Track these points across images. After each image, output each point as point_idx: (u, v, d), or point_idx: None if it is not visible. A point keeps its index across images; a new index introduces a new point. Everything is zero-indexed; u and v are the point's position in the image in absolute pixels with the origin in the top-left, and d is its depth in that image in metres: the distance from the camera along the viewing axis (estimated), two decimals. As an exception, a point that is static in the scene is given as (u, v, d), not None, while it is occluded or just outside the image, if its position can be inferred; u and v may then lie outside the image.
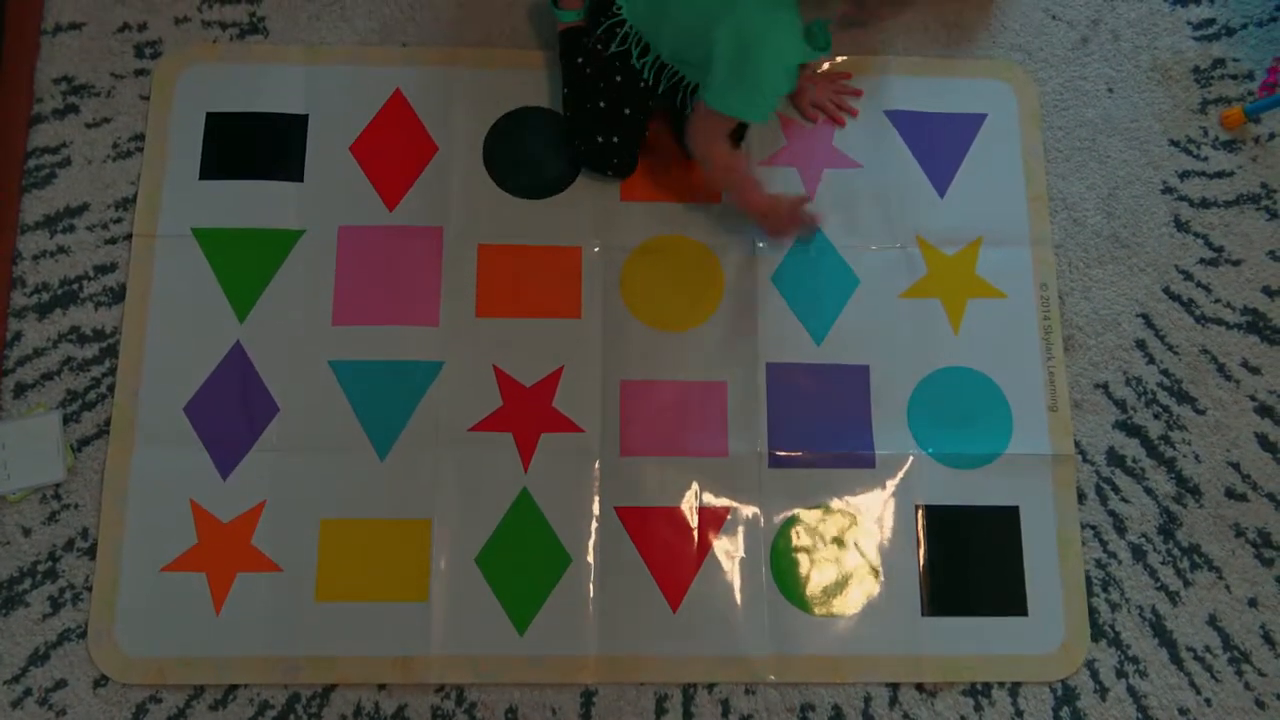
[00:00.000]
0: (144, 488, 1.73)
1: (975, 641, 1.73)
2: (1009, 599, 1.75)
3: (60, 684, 1.66)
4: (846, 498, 1.78)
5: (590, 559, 1.73)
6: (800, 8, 1.57)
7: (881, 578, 1.75)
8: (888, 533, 1.77)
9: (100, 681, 1.66)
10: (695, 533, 1.74)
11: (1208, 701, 1.73)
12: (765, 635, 1.71)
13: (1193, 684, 1.74)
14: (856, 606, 1.74)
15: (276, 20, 1.95)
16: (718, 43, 1.60)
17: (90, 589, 1.69)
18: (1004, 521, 1.78)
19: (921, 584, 1.75)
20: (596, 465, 1.76)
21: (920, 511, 1.78)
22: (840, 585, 1.74)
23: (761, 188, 1.79)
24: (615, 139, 1.80)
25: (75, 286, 1.81)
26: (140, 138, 1.87)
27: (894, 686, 1.71)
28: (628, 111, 1.78)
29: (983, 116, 1.95)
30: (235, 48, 1.93)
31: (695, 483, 1.76)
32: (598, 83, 1.78)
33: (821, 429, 1.80)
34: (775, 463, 1.78)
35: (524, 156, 1.89)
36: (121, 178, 1.86)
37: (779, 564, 1.74)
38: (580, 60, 1.80)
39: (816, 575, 1.75)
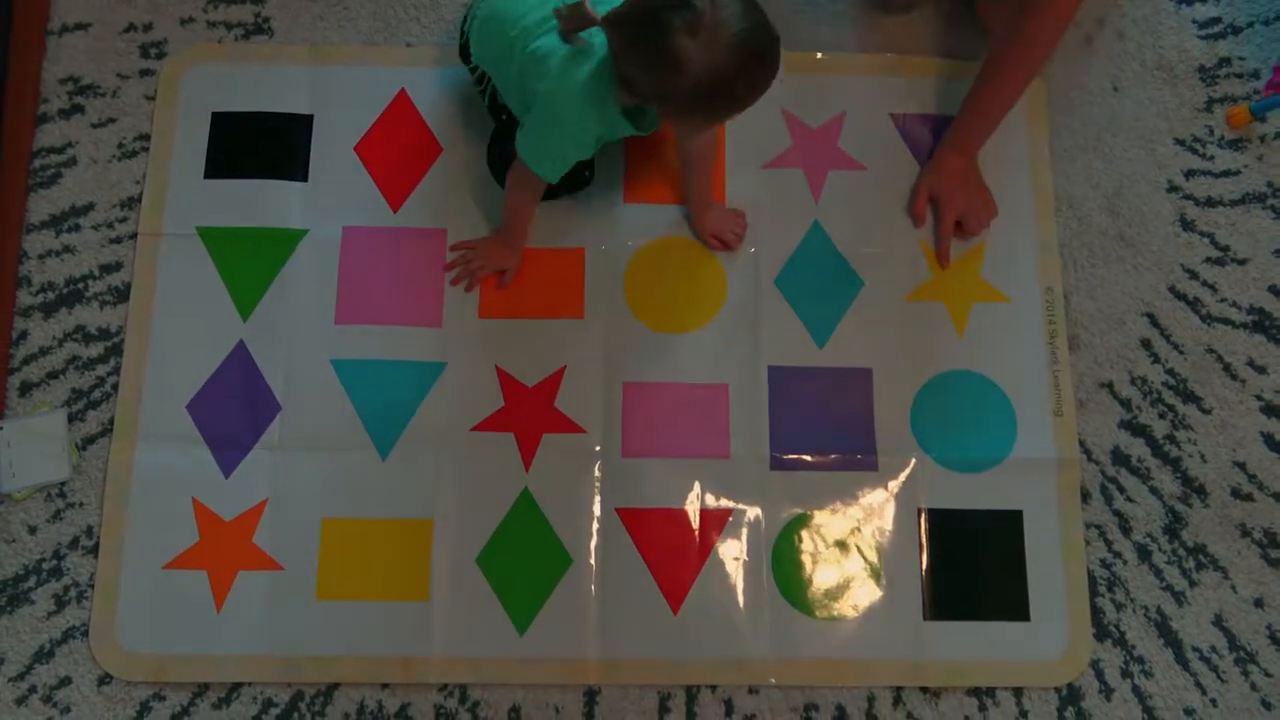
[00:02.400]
0: (146, 485, 1.69)
1: (977, 647, 1.68)
2: (1011, 604, 1.70)
3: (64, 681, 1.62)
4: (849, 501, 1.73)
5: (591, 560, 1.68)
6: (617, 95, 1.48)
7: (883, 581, 1.70)
8: (890, 536, 1.71)
9: (104, 679, 1.62)
10: (697, 535, 1.70)
11: (1213, 702, 1.67)
12: (766, 638, 1.66)
13: (1198, 684, 1.68)
14: (858, 610, 1.68)
15: (281, 20, 1.90)
16: (536, 100, 1.54)
17: (94, 586, 1.65)
18: (1007, 526, 1.72)
19: (924, 588, 1.70)
20: (598, 466, 1.71)
21: (923, 515, 1.72)
22: (842, 588, 1.69)
23: (516, 244, 1.76)
24: None
25: (81, 285, 1.77)
26: (145, 137, 1.83)
27: (898, 687, 1.66)
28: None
29: (987, 119, 1.90)
30: (240, 48, 1.88)
31: (697, 484, 1.71)
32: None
33: (824, 432, 1.75)
34: (777, 465, 1.73)
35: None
36: (127, 177, 1.82)
37: (780, 566, 1.69)
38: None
39: (818, 578, 1.70)
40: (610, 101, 1.49)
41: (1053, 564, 1.71)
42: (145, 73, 1.86)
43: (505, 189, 1.72)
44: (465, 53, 1.72)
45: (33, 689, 1.62)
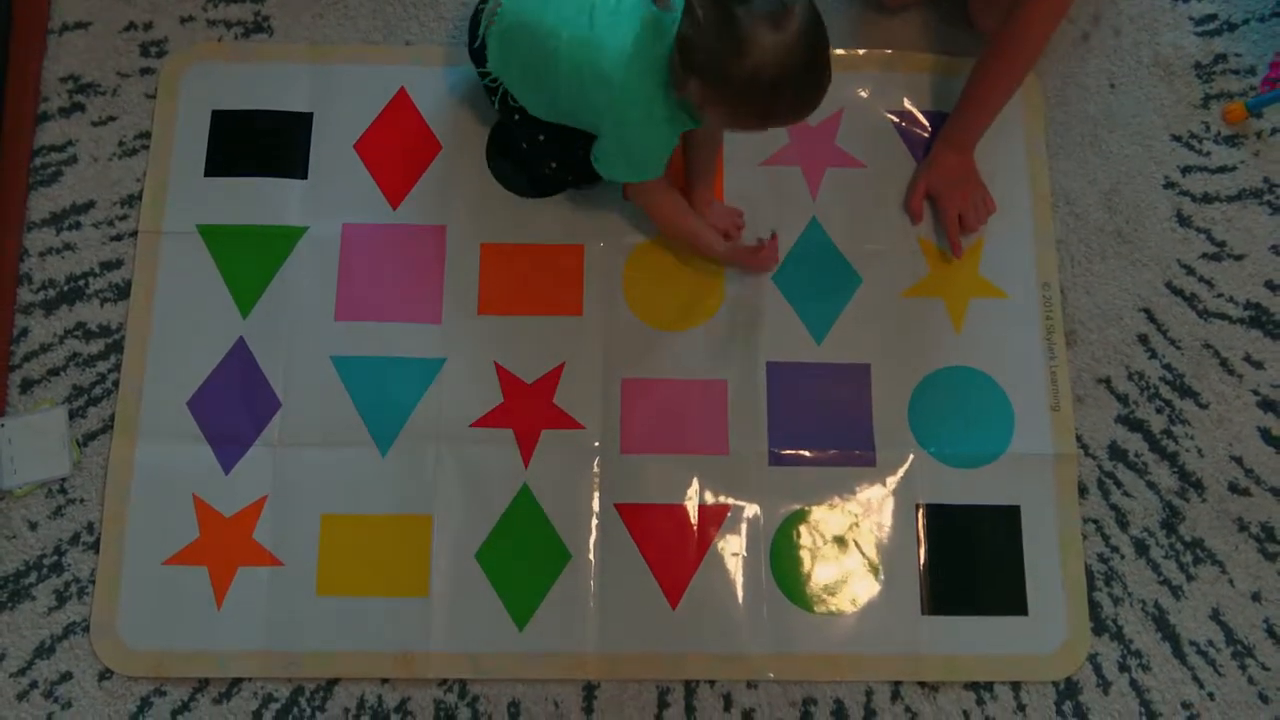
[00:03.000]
0: (147, 482, 1.68)
1: (975, 641, 1.66)
2: (1009, 599, 1.68)
3: (65, 677, 1.61)
4: (847, 496, 1.71)
5: (590, 556, 1.67)
6: (672, 91, 1.48)
7: (881, 576, 1.68)
8: (888, 531, 1.70)
9: (105, 674, 1.61)
10: (695, 530, 1.68)
11: (1211, 696, 1.66)
12: (765, 633, 1.65)
13: (1196, 678, 1.67)
14: (856, 605, 1.67)
15: (281, 19, 1.89)
16: (600, 126, 1.57)
17: (95, 582, 1.64)
18: (1005, 521, 1.71)
19: (921, 583, 1.68)
20: (597, 462, 1.70)
21: (921, 510, 1.71)
22: (840, 583, 1.68)
23: (708, 231, 1.73)
24: (554, 164, 1.74)
25: (81, 283, 1.76)
26: (146, 136, 1.82)
27: (896, 681, 1.65)
28: (542, 138, 1.70)
29: (984, 116, 1.89)
30: (240, 46, 1.87)
31: (696, 480, 1.70)
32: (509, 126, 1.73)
33: (822, 427, 1.74)
34: (776, 461, 1.71)
35: (528, 154, 1.80)
36: (127, 175, 1.81)
37: (779, 562, 1.68)
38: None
39: (817, 573, 1.68)
40: (668, 95, 1.49)
41: (1050, 559, 1.70)
42: (145, 71, 1.85)
43: (650, 213, 1.72)
44: (479, 56, 1.66)
45: (34, 684, 1.61)
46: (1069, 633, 1.67)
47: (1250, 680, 1.67)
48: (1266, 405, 1.78)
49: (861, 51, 1.92)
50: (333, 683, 1.63)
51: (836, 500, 1.71)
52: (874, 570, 1.69)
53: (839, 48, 1.91)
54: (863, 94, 1.90)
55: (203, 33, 1.88)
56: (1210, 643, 1.69)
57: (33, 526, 1.67)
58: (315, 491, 1.68)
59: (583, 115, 1.61)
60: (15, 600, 1.64)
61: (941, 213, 1.81)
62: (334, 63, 1.87)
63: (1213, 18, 1.96)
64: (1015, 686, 1.66)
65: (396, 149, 1.83)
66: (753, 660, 1.64)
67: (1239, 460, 1.76)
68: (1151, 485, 1.75)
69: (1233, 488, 1.75)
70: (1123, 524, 1.73)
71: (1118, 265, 1.84)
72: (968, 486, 1.72)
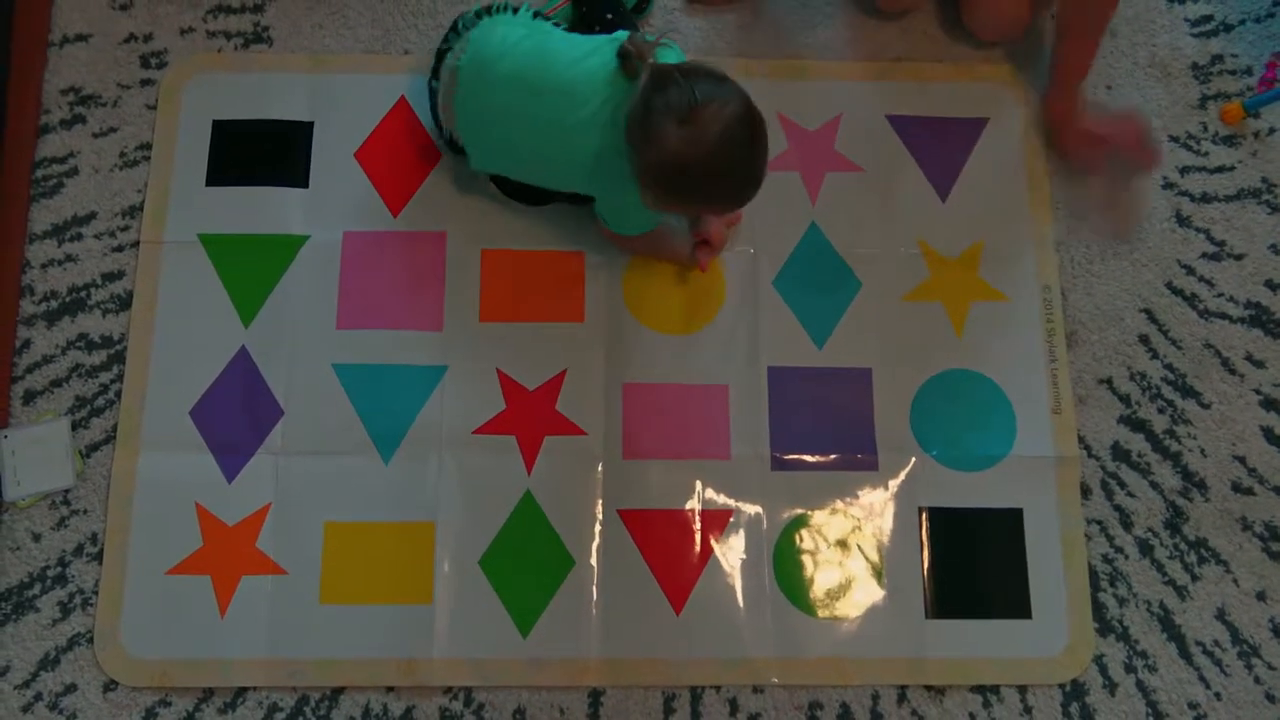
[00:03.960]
0: (150, 492, 1.66)
1: (979, 644, 1.64)
2: (1012, 602, 1.66)
3: (70, 688, 1.59)
4: (849, 500, 1.70)
5: (593, 561, 1.65)
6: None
7: (885, 580, 1.67)
8: (891, 535, 1.68)
9: (110, 685, 1.59)
10: (698, 535, 1.67)
11: (1217, 695, 1.64)
12: (769, 638, 1.63)
13: (1202, 678, 1.65)
14: (860, 609, 1.65)
15: (280, 29, 1.87)
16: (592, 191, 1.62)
17: (99, 593, 1.62)
18: (1007, 524, 1.69)
19: (925, 587, 1.66)
20: (599, 468, 1.69)
21: (923, 514, 1.69)
22: (843, 588, 1.66)
23: (676, 244, 1.76)
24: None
25: (83, 294, 1.74)
26: (147, 147, 1.80)
27: (902, 685, 1.63)
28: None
29: (984, 121, 1.87)
30: (240, 57, 1.85)
31: (698, 485, 1.69)
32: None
33: (824, 432, 1.72)
34: (778, 465, 1.70)
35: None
36: (128, 186, 1.79)
37: (782, 566, 1.66)
38: None
39: (820, 578, 1.66)
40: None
41: (1053, 562, 1.68)
42: (146, 82, 1.84)
43: (624, 244, 1.74)
44: (453, 147, 1.70)
45: (39, 696, 1.59)
46: (1072, 636, 1.65)
47: (1257, 680, 1.65)
48: (1268, 404, 1.77)
49: (859, 57, 1.90)
50: (338, 691, 1.61)
51: (839, 504, 1.69)
52: (877, 574, 1.67)
53: (838, 53, 1.90)
54: (861, 99, 1.88)
55: (202, 43, 1.86)
56: (1216, 643, 1.67)
57: (36, 538, 1.65)
58: (318, 500, 1.67)
59: (583, 185, 1.65)
60: (19, 612, 1.62)
61: (1107, 142, 1.81)
62: (334, 72, 1.85)
63: (1209, 18, 1.95)
64: (1021, 689, 1.64)
65: (397, 157, 1.82)
66: (757, 665, 1.62)
67: (1242, 460, 1.74)
68: (1155, 485, 1.73)
69: (1236, 487, 1.73)
70: (1126, 525, 1.71)
71: (1118, 266, 1.82)
72: (970, 490, 1.70)
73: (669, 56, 1.50)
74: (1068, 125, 1.83)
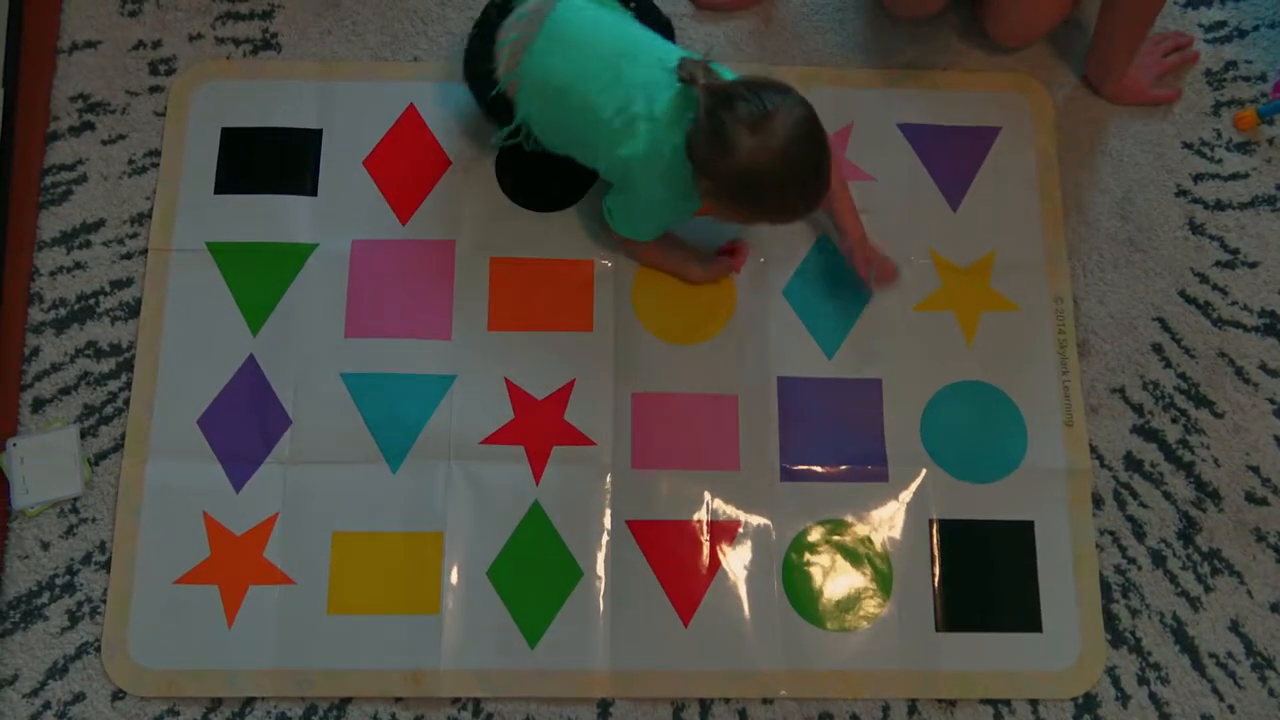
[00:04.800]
0: (158, 500, 1.65)
1: (990, 658, 1.62)
2: (1023, 615, 1.64)
3: (79, 697, 1.58)
4: (859, 512, 1.67)
5: (601, 572, 1.63)
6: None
7: (895, 593, 1.64)
8: (901, 547, 1.66)
9: (118, 694, 1.58)
10: (706, 546, 1.65)
11: (1231, 708, 1.62)
12: (777, 650, 1.61)
13: (1215, 690, 1.63)
14: (869, 621, 1.63)
15: (289, 36, 1.86)
16: (626, 174, 1.61)
17: (107, 602, 1.61)
18: (1018, 536, 1.67)
19: (935, 599, 1.64)
20: (608, 478, 1.67)
21: (934, 526, 1.67)
22: (853, 600, 1.64)
23: (690, 262, 1.75)
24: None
25: (92, 301, 1.73)
26: (155, 154, 1.79)
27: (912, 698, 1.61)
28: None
29: (997, 130, 1.85)
30: (249, 64, 1.84)
31: (707, 496, 1.67)
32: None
33: (834, 443, 1.70)
34: (787, 476, 1.68)
35: (536, 170, 1.78)
36: (137, 193, 1.78)
37: (791, 578, 1.64)
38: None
39: (829, 590, 1.64)
40: (686, 176, 1.52)
41: (1064, 575, 1.65)
42: (155, 89, 1.83)
43: (627, 250, 1.75)
44: (499, 104, 1.66)
45: (47, 705, 1.58)
46: (1084, 651, 1.63)
47: (1271, 692, 1.63)
48: (1282, 414, 1.74)
49: (872, 64, 1.88)
50: (346, 701, 1.59)
51: (849, 516, 1.67)
52: (887, 587, 1.65)
53: (850, 59, 1.88)
54: (872, 107, 1.86)
55: (211, 50, 1.85)
56: (1230, 654, 1.65)
57: (45, 546, 1.64)
58: (326, 509, 1.65)
59: (607, 170, 1.65)
60: (28, 620, 1.61)
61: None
62: (343, 79, 1.84)
63: (1223, 24, 1.93)
64: (1033, 701, 1.61)
65: (405, 165, 1.80)
66: (765, 677, 1.60)
67: (1256, 469, 1.72)
68: (1168, 496, 1.71)
69: (1250, 497, 1.71)
70: (1139, 535, 1.69)
71: (1130, 274, 1.80)
72: (981, 502, 1.68)
73: (723, 74, 1.51)
74: (1121, 94, 1.87)
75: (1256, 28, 1.92)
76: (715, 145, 1.44)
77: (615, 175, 1.64)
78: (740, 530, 1.66)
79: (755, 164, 1.43)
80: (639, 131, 1.53)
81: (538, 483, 1.67)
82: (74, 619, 1.61)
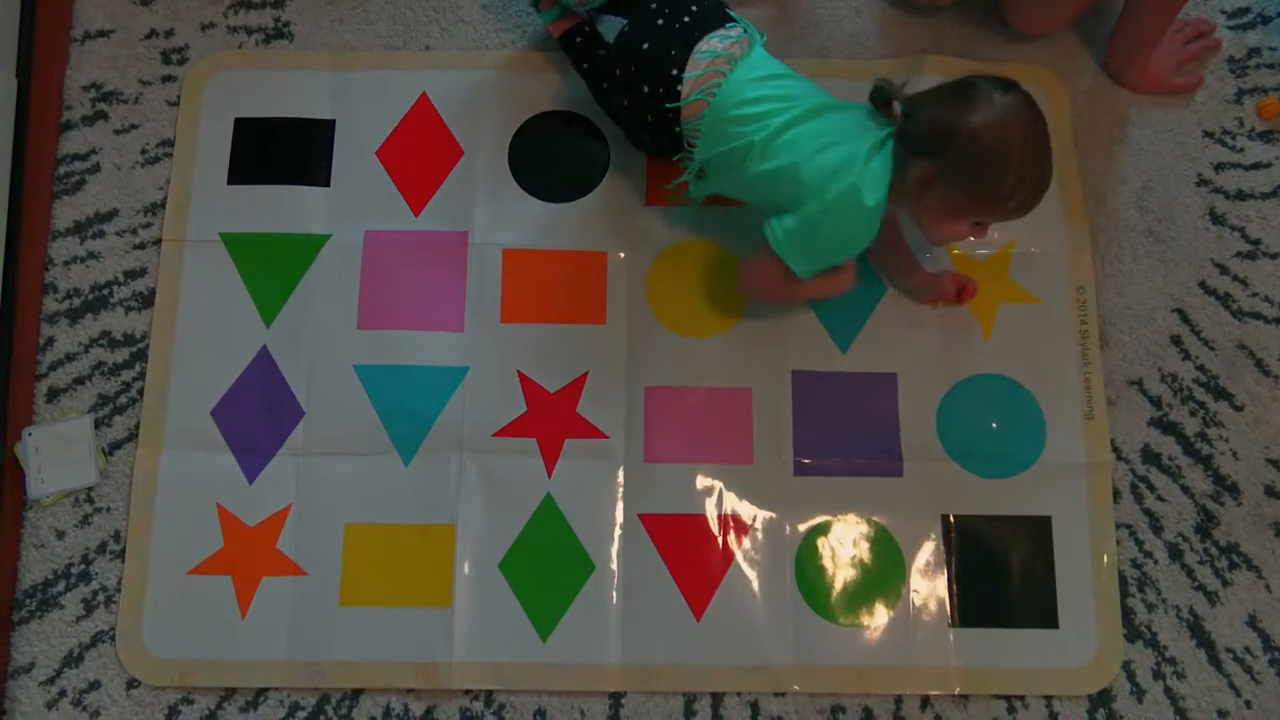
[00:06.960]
0: (171, 491, 1.64)
1: (1005, 654, 1.59)
2: (1039, 612, 1.61)
3: (94, 685, 1.57)
4: (873, 507, 1.65)
5: (614, 566, 1.61)
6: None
7: (909, 588, 1.62)
8: (915, 543, 1.63)
9: (133, 683, 1.57)
10: (719, 540, 1.62)
11: (1248, 704, 1.59)
12: (790, 644, 1.59)
13: (1232, 685, 1.60)
14: (883, 617, 1.61)
15: (301, 25, 1.83)
16: (805, 207, 1.50)
17: (121, 592, 1.60)
18: (1036, 532, 1.64)
19: (951, 595, 1.61)
20: (621, 471, 1.64)
21: (949, 521, 1.64)
22: (866, 595, 1.62)
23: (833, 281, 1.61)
24: (648, 136, 1.65)
25: (106, 291, 1.72)
26: (169, 143, 1.77)
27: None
28: (650, 119, 1.60)
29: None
30: (262, 54, 1.82)
31: (720, 490, 1.64)
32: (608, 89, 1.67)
33: (848, 437, 1.67)
34: (801, 470, 1.65)
35: (549, 161, 1.77)
36: (150, 183, 1.76)
37: (804, 573, 1.62)
38: (586, 67, 1.70)
39: (842, 585, 1.62)
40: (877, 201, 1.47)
41: (1082, 571, 1.62)
42: (167, 79, 1.81)
43: (766, 290, 1.65)
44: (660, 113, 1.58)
45: (63, 693, 1.57)
46: (1100, 647, 1.60)
47: (1287, 688, 1.60)
48: (1303, 407, 1.71)
49: (889, 53, 1.84)
50: (358, 691, 1.58)
51: (863, 511, 1.65)
52: (901, 582, 1.62)
53: (866, 49, 1.84)
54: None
55: (223, 39, 1.83)
56: (1246, 649, 1.61)
57: (60, 535, 1.63)
58: (338, 501, 1.64)
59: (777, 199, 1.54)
60: (44, 609, 1.60)
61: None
62: (355, 69, 1.81)
63: (1246, 11, 1.88)
64: (1047, 696, 1.59)
65: (418, 155, 1.78)
66: (778, 672, 1.58)
67: (1275, 463, 1.68)
68: (1185, 489, 1.67)
69: (1269, 491, 1.67)
70: (1156, 529, 1.65)
71: (1150, 265, 1.76)
72: (998, 497, 1.65)
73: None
74: (1141, 83, 1.83)
75: (1280, 14, 1.88)
76: (956, 101, 1.40)
77: (798, 199, 1.52)
78: (753, 524, 1.63)
79: (1008, 120, 1.38)
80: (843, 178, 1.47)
81: (550, 476, 1.65)
82: (89, 608, 1.60)
